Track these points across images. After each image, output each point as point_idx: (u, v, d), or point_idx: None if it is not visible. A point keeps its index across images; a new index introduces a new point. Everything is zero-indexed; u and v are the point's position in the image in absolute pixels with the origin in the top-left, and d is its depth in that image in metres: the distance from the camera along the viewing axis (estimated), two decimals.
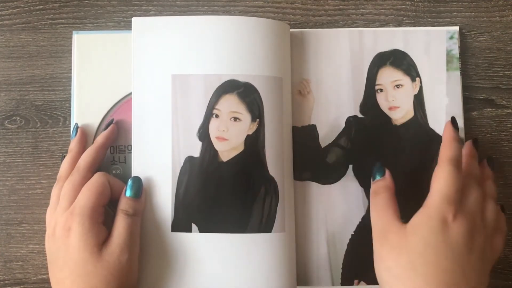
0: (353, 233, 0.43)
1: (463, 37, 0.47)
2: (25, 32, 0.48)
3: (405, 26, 0.47)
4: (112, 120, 0.44)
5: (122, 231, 0.38)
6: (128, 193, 0.40)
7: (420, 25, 0.47)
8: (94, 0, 0.48)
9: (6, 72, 0.47)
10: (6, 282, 0.45)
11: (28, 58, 0.47)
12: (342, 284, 0.42)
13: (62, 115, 0.47)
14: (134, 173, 0.41)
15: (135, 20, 0.42)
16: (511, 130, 0.47)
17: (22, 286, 0.45)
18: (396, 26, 0.47)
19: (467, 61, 0.47)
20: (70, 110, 0.46)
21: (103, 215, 0.39)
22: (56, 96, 0.47)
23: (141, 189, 0.40)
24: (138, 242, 0.40)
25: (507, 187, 0.46)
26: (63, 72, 0.47)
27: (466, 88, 0.46)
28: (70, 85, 0.46)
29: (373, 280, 0.39)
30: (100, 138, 0.43)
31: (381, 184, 0.39)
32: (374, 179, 0.40)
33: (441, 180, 0.36)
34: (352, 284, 0.42)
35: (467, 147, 0.42)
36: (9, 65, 0.47)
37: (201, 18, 0.42)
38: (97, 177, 0.39)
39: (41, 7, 0.48)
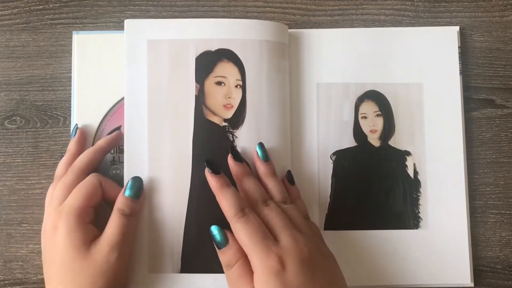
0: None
1: (463, 37, 0.47)
2: (25, 32, 0.48)
3: (405, 26, 0.47)
4: (119, 126, 0.44)
5: (114, 230, 0.38)
6: (127, 192, 0.39)
7: (420, 25, 0.47)
8: (94, 0, 0.48)
9: (6, 72, 0.47)
10: (6, 282, 0.45)
11: (28, 58, 0.47)
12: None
13: (62, 115, 0.47)
14: (126, 172, 0.41)
15: (127, 23, 0.43)
16: (511, 130, 0.47)
17: (22, 286, 0.45)
18: (396, 26, 0.47)
19: (467, 61, 0.47)
20: (70, 110, 0.46)
21: (92, 215, 0.39)
22: (56, 96, 0.47)
23: (141, 190, 0.40)
24: (131, 243, 0.39)
25: (507, 187, 0.46)
26: (63, 72, 0.47)
27: (466, 88, 0.46)
28: (70, 85, 0.46)
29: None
30: (101, 142, 0.42)
31: None
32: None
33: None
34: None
35: (262, 166, 0.40)
36: (9, 65, 0.47)
37: (192, 21, 0.43)
38: (89, 179, 0.39)
39: (41, 7, 0.48)
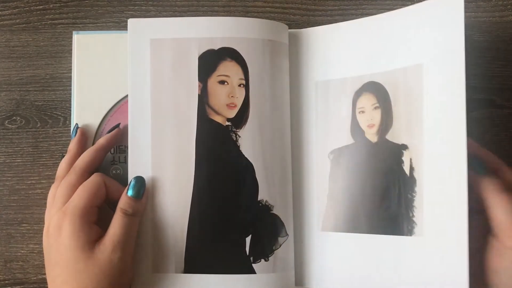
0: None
1: None
2: (25, 32, 0.48)
3: None
4: (119, 124, 0.44)
5: (117, 230, 0.38)
6: (130, 192, 0.40)
7: None
8: (94, 0, 0.48)
9: (6, 72, 0.47)
10: (6, 282, 0.45)
11: (28, 58, 0.47)
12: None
13: (62, 115, 0.47)
14: (130, 172, 0.41)
15: (131, 22, 0.42)
16: (511, 130, 0.47)
17: (22, 286, 0.45)
18: None
19: (467, 61, 0.47)
20: (70, 110, 0.46)
21: (96, 215, 0.39)
22: (56, 96, 0.47)
23: (143, 189, 0.40)
24: (133, 243, 0.39)
25: None
26: (63, 72, 0.47)
27: (466, 88, 0.46)
28: (70, 85, 0.46)
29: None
30: (102, 140, 0.42)
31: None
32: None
33: None
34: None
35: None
36: (9, 65, 0.47)
37: (195, 19, 0.43)
38: (93, 178, 0.39)
39: (41, 7, 0.48)
